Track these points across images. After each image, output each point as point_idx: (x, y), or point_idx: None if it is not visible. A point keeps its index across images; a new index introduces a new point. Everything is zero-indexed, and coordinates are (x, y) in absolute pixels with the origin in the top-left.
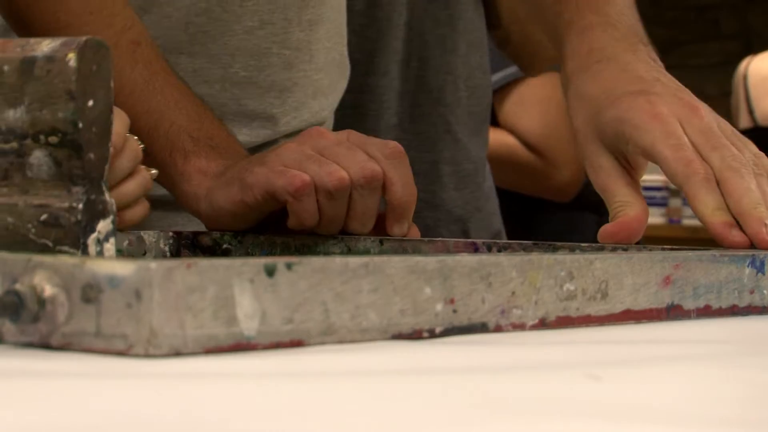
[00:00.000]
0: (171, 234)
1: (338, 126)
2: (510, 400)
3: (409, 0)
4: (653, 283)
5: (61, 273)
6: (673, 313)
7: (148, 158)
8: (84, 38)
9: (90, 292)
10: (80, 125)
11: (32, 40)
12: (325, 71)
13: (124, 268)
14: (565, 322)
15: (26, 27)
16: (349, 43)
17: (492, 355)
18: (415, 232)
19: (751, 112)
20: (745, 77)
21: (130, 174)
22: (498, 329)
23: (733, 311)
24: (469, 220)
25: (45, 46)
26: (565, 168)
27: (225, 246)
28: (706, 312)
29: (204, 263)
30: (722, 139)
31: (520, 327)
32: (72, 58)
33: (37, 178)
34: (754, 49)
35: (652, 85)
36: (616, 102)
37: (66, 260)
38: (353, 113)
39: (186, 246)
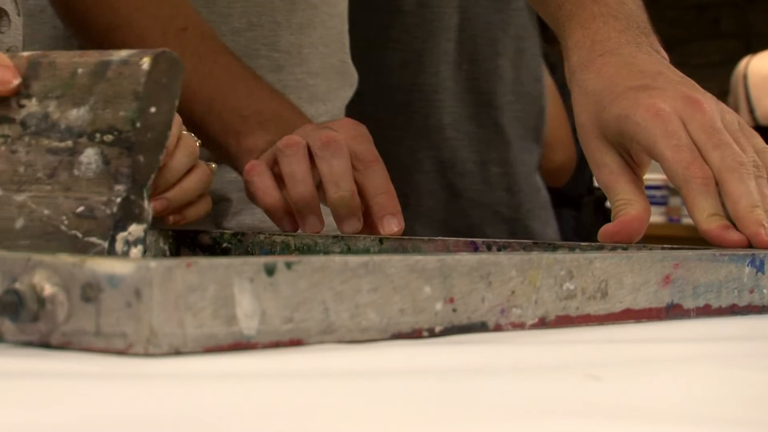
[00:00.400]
0: (170, 233)
1: (388, 123)
2: (509, 399)
3: (461, 4)
4: (653, 282)
5: (61, 272)
6: (672, 312)
7: (208, 143)
8: (162, 49)
9: (89, 291)
10: (138, 125)
11: (112, 50)
12: (322, 77)
13: (123, 267)
14: (564, 321)
15: (87, 35)
16: (399, 42)
17: (491, 355)
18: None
19: (751, 111)
20: (744, 77)
21: (190, 170)
22: (498, 328)
23: (733, 310)
24: (519, 222)
25: (123, 53)
26: (559, 149)
27: (225, 245)
28: (706, 311)
29: (204, 262)
30: (724, 137)
31: (519, 326)
32: (146, 62)
33: (83, 177)
34: (754, 48)
35: (654, 79)
36: (618, 98)
37: (65, 259)
38: (404, 111)
39: (186, 245)
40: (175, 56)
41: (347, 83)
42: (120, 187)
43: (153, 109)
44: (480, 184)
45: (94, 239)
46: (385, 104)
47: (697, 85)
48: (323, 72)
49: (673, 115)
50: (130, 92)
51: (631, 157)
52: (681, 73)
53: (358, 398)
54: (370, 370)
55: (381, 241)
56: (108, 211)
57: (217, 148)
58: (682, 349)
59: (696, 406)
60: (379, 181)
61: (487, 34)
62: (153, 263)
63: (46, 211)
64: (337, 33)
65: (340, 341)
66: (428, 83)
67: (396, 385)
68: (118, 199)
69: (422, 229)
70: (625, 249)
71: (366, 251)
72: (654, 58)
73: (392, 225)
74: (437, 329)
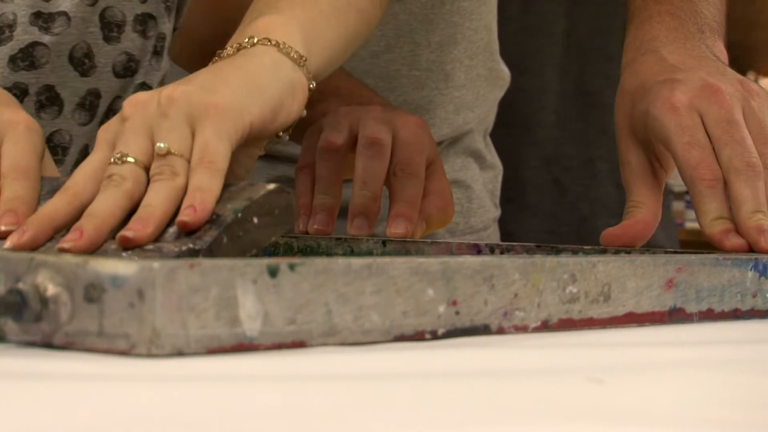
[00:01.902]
0: None
1: (495, 120)
2: (511, 403)
3: (568, 11)
4: (656, 286)
5: (64, 272)
6: (675, 316)
7: None
8: (289, 190)
9: (93, 292)
10: (239, 215)
11: None
12: (468, 87)
13: (126, 268)
14: (567, 324)
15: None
16: (503, 45)
17: (494, 358)
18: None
19: None
20: (756, 81)
21: None
22: (500, 331)
23: (736, 315)
24: None
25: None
26: None
27: None
28: (709, 315)
29: (207, 263)
30: (737, 132)
31: (522, 329)
32: (271, 186)
33: (163, 240)
34: None
35: (681, 71)
36: (646, 94)
37: (69, 260)
38: (509, 111)
39: None
40: (293, 205)
41: (497, 85)
42: (195, 246)
43: (255, 220)
44: (587, 179)
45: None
46: None
47: (728, 72)
48: (469, 83)
49: (689, 108)
50: (245, 197)
51: (657, 157)
52: (722, 66)
53: (361, 402)
54: (372, 373)
55: (384, 243)
56: (176, 249)
57: None
58: (684, 353)
59: (698, 409)
60: (409, 192)
61: (596, 39)
62: (156, 264)
63: (113, 246)
64: (484, 44)
65: (343, 343)
66: (532, 83)
67: (397, 389)
68: (188, 247)
69: (529, 220)
70: (628, 253)
71: (369, 253)
72: (696, 52)
73: (399, 226)
74: (440, 332)
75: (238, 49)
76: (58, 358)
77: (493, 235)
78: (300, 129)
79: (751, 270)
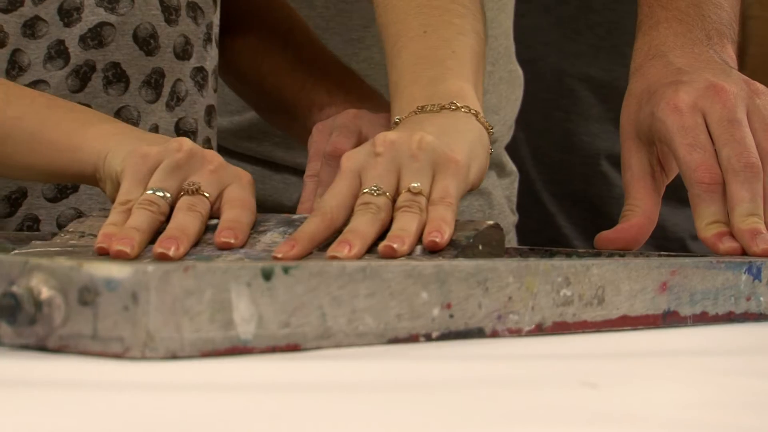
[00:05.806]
0: None
1: (540, 106)
2: (505, 407)
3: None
4: (650, 289)
5: (58, 275)
6: (669, 319)
7: (294, 122)
8: (502, 228)
9: (87, 295)
10: (471, 241)
11: None
12: (491, 92)
13: (120, 271)
14: (561, 327)
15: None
16: (541, 29)
17: (488, 362)
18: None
19: None
20: None
21: None
22: (494, 334)
23: (730, 318)
24: None
25: None
26: None
27: None
28: (703, 318)
29: (201, 266)
30: (738, 131)
31: (516, 332)
32: (491, 222)
33: (414, 259)
34: None
35: (687, 74)
36: (652, 96)
37: (63, 263)
38: (570, 95)
39: None
40: (504, 239)
41: (516, 85)
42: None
43: (480, 247)
44: None
45: None
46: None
47: (734, 73)
48: (492, 88)
49: (692, 109)
50: (471, 228)
51: (659, 159)
52: (727, 68)
53: (353, 408)
54: (366, 378)
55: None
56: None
57: (300, 123)
58: (678, 356)
59: (691, 413)
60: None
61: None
62: (150, 267)
63: None
64: (503, 48)
65: (337, 346)
66: (575, 65)
67: (391, 395)
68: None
69: (570, 208)
70: (622, 256)
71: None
72: (703, 56)
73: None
74: (434, 335)
75: (441, 109)
76: (52, 361)
77: (512, 241)
78: (305, 132)
79: (744, 273)
